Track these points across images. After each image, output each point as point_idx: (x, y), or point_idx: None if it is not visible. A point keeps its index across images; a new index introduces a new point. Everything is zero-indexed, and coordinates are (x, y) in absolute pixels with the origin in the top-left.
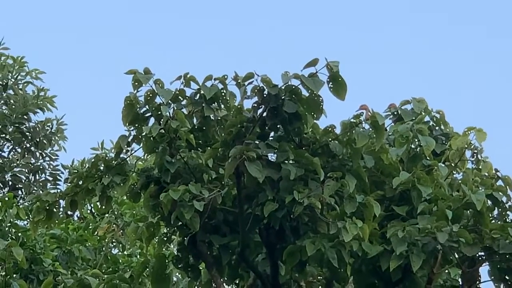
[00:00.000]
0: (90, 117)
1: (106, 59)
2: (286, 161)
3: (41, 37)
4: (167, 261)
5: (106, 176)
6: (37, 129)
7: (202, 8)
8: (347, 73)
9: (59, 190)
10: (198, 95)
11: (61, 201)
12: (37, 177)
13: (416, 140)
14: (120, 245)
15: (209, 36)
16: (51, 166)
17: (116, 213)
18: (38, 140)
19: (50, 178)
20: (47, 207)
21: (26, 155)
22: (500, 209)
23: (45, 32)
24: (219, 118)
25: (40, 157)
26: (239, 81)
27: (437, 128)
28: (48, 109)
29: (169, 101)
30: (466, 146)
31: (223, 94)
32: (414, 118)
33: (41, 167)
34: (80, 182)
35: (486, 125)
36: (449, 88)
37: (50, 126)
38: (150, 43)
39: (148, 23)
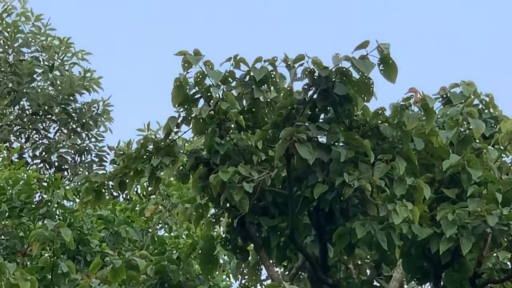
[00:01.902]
0: (136, 98)
1: (155, 39)
2: (336, 143)
3: (87, 16)
4: (215, 242)
5: (155, 157)
6: (83, 110)
7: None
8: (397, 55)
9: (107, 171)
10: (248, 77)
11: (109, 182)
12: (83, 158)
13: (465, 123)
14: (167, 226)
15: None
16: (97, 148)
17: (163, 194)
18: (84, 121)
19: (96, 159)
20: (96, 188)
21: (72, 136)
22: None
23: (92, 11)
24: (268, 100)
25: (86, 138)
26: (289, 63)
27: (486, 111)
28: (94, 90)
29: (219, 83)
30: None
31: (272, 76)
32: (463, 101)
33: (87, 148)
34: (129, 163)
35: None
36: (500, 70)
37: (96, 108)
38: (198, 23)
39: (197, 3)
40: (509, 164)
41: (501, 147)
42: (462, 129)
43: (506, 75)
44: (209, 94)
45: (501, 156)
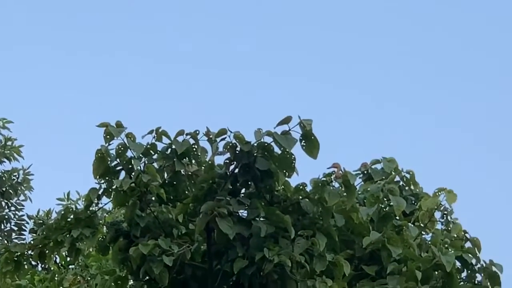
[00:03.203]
0: (56, 167)
1: (75, 111)
2: (257, 218)
3: (8, 84)
4: None
5: (76, 228)
6: (3, 178)
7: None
8: (319, 130)
9: (27, 241)
10: (170, 149)
11: (29, 252)
12: (2, 227)
13: (386, 200)
14: None
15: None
16: (17, 216)
17: (82, 265)
18: (4, 189)
19: (15, 228)
20: (15, 258)
21: None
22: (469, 271)
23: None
24: (190, 173)
25: (6, 207)
26: (211, 136)
27: (407, 188)
28: (14, 158)
29: (140, 155)
30: (436, 207)
31: (194, 149)
32: (384, 177)
33: (6, 216)
34: (49, 234)
35: (456, 186)
36: (419, 149)
37: (17, 176)
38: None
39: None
40: (429, 242)
41: (421, 225)
42: (382, 206)
43: (426, 153)
44: (130, 166)
45: (421, 233)
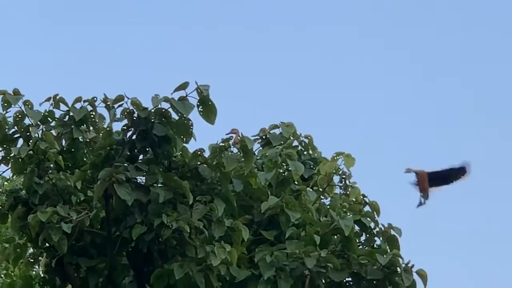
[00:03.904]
0: None
1: None
2: (155, 184)
3: None
4: (34, 282)
5: None
6: None
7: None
8: (217, 96)
9: None
10: (67, 117)
11: None
12: None
13: (284, 164)
14: None
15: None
16: None
17: None
18: None
19: None
20: None
21: None
22: (367, 235)
23: None
24: (88, 140)
25: None
26: (108, 103)
27: (305, 153)
28: None
29: (38, 123)
30: (334, 171)
31: (92, 116)
32: (282, 142)
33: None
34: None
35: (354, 150)
36: (319, 112)
37: None
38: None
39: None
40: (327, 206)
41: (320, 189)
42: (281, 171)
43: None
44: (28, 134)
45: (319, 198)
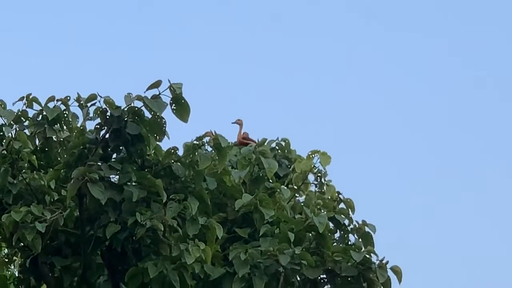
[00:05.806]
0: None
1: None
2: (129, 183)
3: None
4: (8, 282)
5: None
6: None
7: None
8: (192, 95)
9: None
10: (41, 116)
11: None
12: None
13: (257, 164)
14: None
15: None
16: None
17: None
18: None
19: None
20: None
21: None
22: (342, 232)
23: None
24: (61, 139)
25: None
26: (81, 102)
27: (279, 151)
28: None
29: (12, 122)
30: (309, 169)
31: (65, 115)
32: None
33: None
34: None
35: (330, 149)
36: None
37: None
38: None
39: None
40: (302, 204)
41: (295, 187)
42: (255, 169)
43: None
44: (1, 133)
45: (294, 195)
